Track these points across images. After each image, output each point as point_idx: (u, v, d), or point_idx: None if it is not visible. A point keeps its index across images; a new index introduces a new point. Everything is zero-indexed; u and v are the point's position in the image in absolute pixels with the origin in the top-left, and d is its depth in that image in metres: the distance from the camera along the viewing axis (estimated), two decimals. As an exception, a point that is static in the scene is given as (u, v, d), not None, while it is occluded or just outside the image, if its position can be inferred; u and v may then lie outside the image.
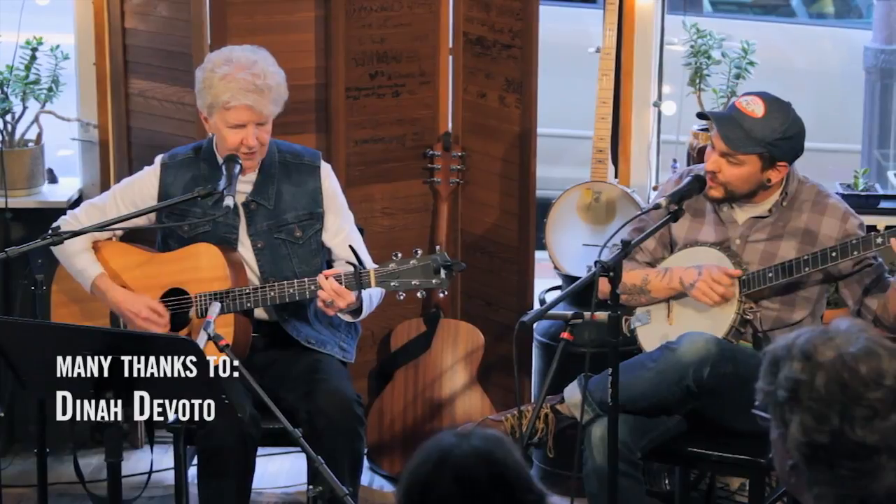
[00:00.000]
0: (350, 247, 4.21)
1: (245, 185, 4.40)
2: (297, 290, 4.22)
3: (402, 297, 4.15)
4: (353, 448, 4.22)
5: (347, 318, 4.35)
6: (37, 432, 4.43)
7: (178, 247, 4.42)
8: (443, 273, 4.04)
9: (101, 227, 4.21)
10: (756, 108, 4.11)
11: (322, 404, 4.20)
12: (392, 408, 5.22)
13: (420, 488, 2.18)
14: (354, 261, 4.13)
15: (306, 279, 4.22)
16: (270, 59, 4.37)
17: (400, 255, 4.08)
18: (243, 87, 4.25)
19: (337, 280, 4.14)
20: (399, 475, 2.25)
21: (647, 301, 4.30)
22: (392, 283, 4.08)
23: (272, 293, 4.24)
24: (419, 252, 4.08)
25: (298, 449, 3.74)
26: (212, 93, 4.29)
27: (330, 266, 4.45)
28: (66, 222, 4.42)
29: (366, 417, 4.79)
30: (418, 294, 4.15)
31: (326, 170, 4.50)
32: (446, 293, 4.13)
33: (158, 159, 4.49)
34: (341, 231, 4.46)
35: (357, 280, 4.11)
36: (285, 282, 4.25)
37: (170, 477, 4.82)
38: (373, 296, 4.31)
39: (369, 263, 4.28)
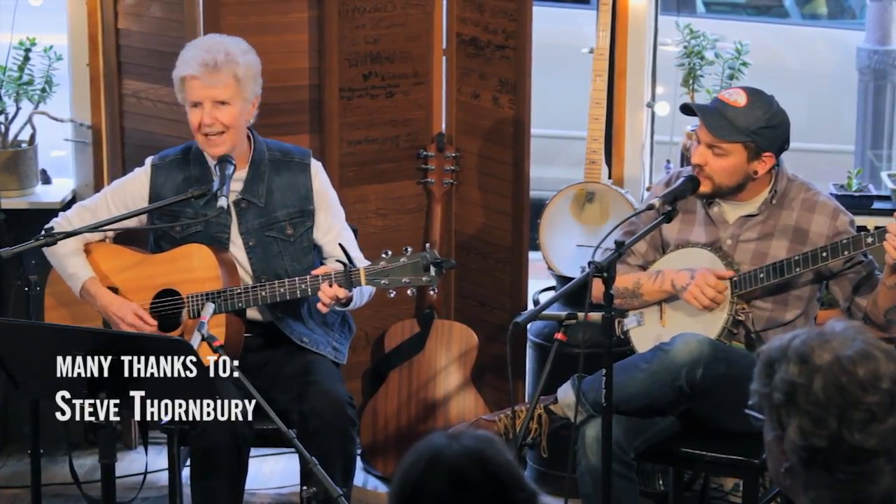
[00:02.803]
0: (340, 245, 4.21)
1: (235, 184, 4.39)
2: (288, 290, 4.22)
3: (392, 295, 4.14)
4: (346, 449, 4.22)
5: (337, 307, 4.34)
6: (31, 433, 4.43)
7: (170, 247, 4.42)
8: (433, 270, 4.04)
9: (94, 228, 4.22)
10: (738, 98, 4.14)
11: (314, 405, 4.20)
12: (386, 409, 5.21)
13: (412, 488, 2.19)
14: (345, 259, 4.13)
15: (297, 279, 4.22)
16: (244, 47, 4.37)
17: (390, 252, 4.08)
18: (197, 61, 4.29)
19: (328, 279, 4.14)
20: (392, 476, 2.27)
21: (639, 304, 4.30)
22: (382, 281, 4.08)
23: (264, 292, 4.24)
24: (409, 250, 4.08)
25: (292, 450, 3.74)
26: (175, 71, 4.33)
27: (322, 264, 4.45)
28: (57, 224, 4.41)
29: (359, 418, 4.79)
30: (409, 292, 4.15)
31: (317, 167, 4.50)
32: (436, 291, 4.14)
33: (148, 161, 4.50)
34: (332, 229, 4.46)
35: (347, 279, 4.11)
36: (276, 281, 4.25)
37: (163, 478, 4.81)
38: (363, 288, 4.30)
39: (361, 261, 4.29)
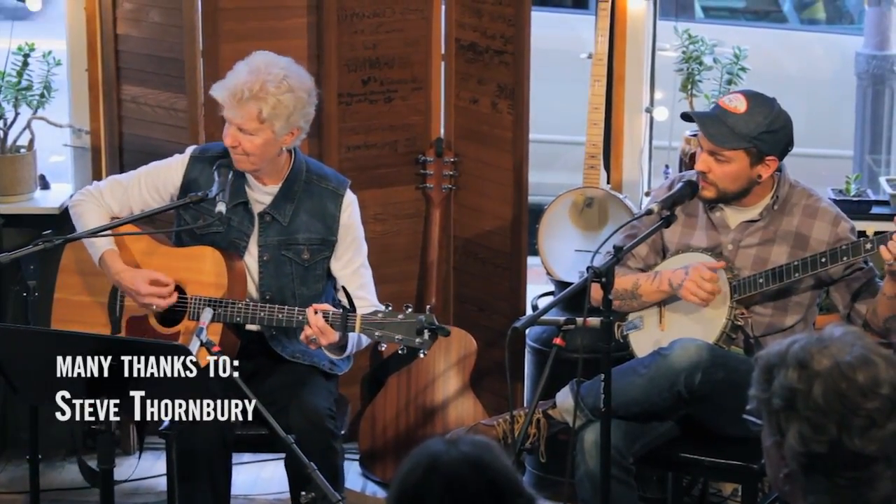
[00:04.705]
0: (343, 288, 4.18)
1: (265, 196, 4.38)
2: (286, 317, 4.20)
3: (383, 348, 4.13)
4: (329, 462, 4.15)
5: (332, 354, 4.32)
6: (29, 438, 4.43)
7: (190, 242, 4.40)
8: (426, 335, 4.03)
9: (93, 233, 4.22)
10: (738, 104, 4.13)
11: (295, 420, 4.16)
12: (385, 414, 5.21)
13: (411, 494, 2.18)
14: (346, 303, 4.11)
15: (296, 309, 4.20)
16: (288, 84, 4.25)
17: (390, 307, 4.06)
18: (229, 87, 4.26)
19: (325, 317, 4.12)
20: (391, 481, 2.27)
21: (639, 306, 4.30)
22: (376, 333, 4.05)
23: (263, 314, 4.22)
24: (409, 308, 4.06)
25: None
26: (214, 85, 4.32)
27: (336, 295, 4.43)
28: (88, 192, 4.42)
29: (357, 424, 4.78)
30: (399, 350, 4.12)
31: (350, 200, 4.44)
32: (426, 354, 4.13)
33: (189, 150, 4.46)
34: (351, 264, 4.42)
35: (343, 322, 4.09)
36: (276, 306, 4.22)
37: (161, 483, 4.81)
38: (362, 336, 4.28)
39: (372, 300, 4.30)
